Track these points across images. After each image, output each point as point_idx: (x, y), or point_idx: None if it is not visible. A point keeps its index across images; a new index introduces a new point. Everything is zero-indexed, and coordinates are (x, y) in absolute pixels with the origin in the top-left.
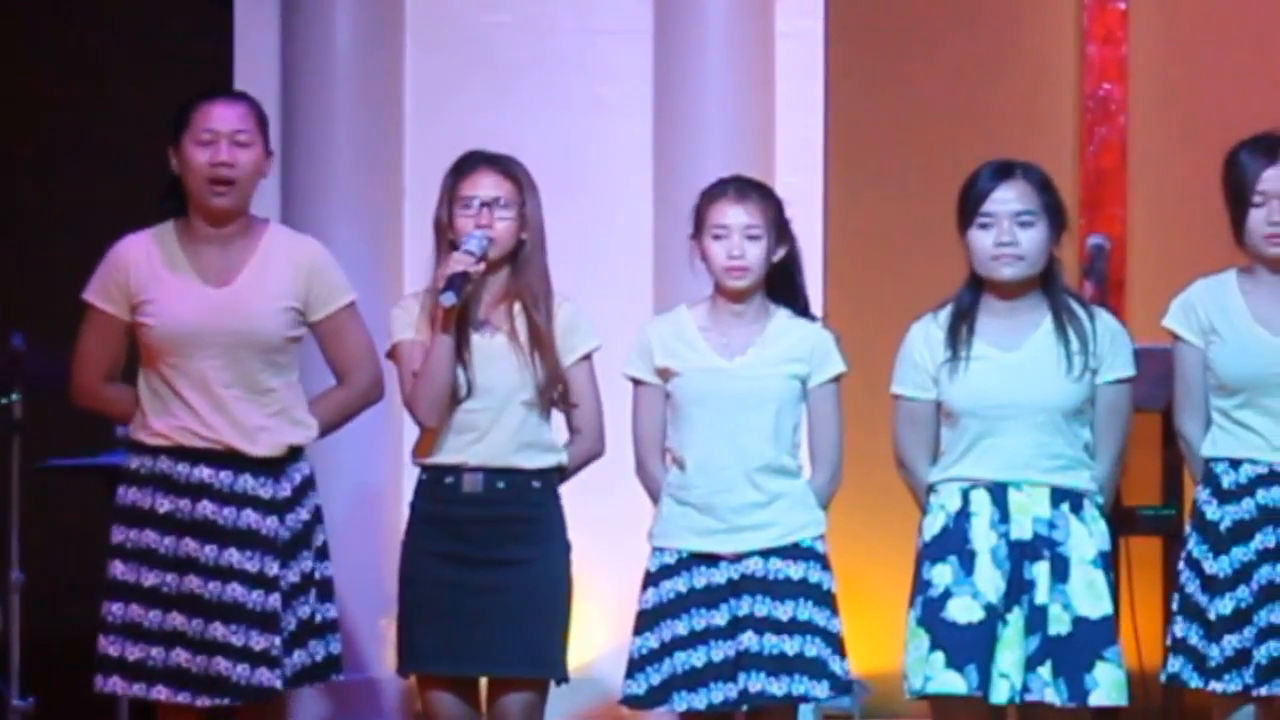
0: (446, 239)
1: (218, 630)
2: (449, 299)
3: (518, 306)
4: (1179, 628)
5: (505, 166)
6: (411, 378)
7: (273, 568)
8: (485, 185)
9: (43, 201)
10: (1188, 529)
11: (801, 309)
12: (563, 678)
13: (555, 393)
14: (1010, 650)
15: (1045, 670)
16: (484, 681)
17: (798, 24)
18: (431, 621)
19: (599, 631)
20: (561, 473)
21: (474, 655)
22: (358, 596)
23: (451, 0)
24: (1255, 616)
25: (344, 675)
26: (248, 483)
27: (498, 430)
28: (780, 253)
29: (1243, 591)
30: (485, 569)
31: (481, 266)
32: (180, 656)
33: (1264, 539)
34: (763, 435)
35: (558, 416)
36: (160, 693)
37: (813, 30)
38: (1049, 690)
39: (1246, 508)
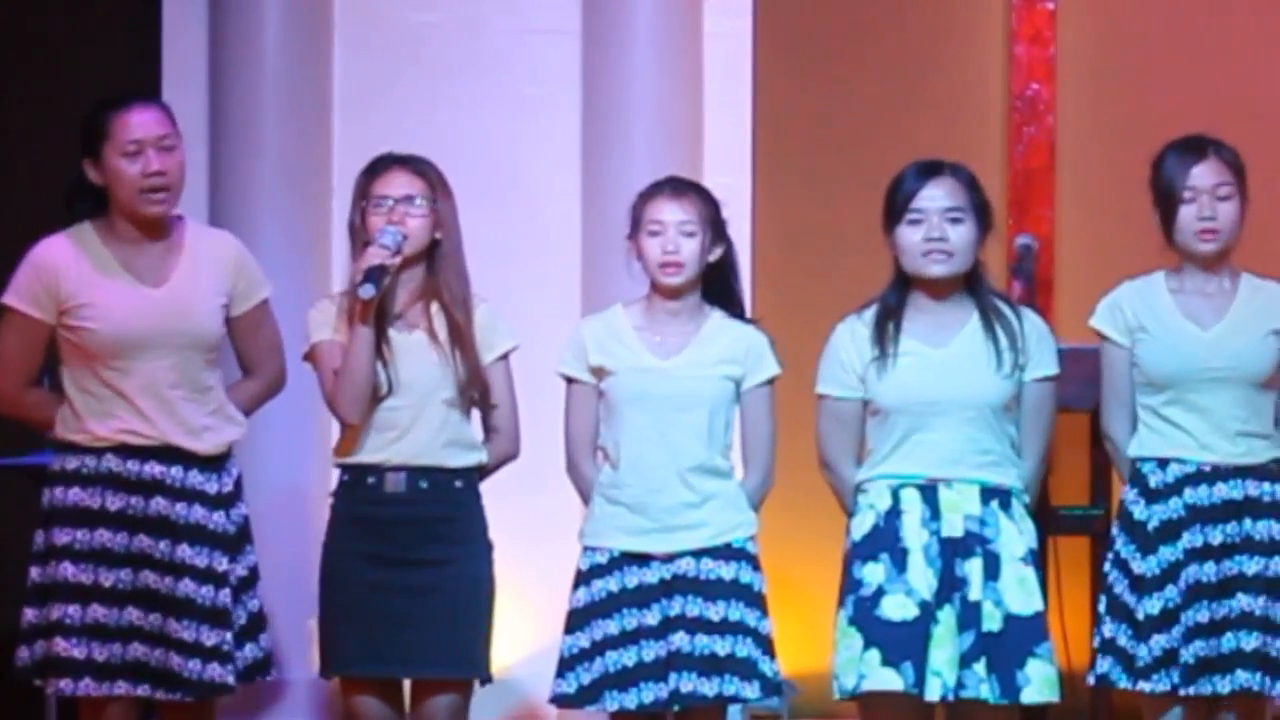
0: (361, 240)
1: (171, 625)
2: (367, 291)
3: (435, 305)
4: (1107, 628)
5: (417, 166)
6: (332, 376)
7: (222, 562)
8: (397, 184)
9: None
10: (1114, 529)
11: (737, 311)
12: (486, 678)
13: (475, 392)
14: (942, 648)
15: (980, 667)
16: (408, 683)
17: (726, 24)
18: (354, 623)
19: (527, 631)
20: (482, 472)
21: (397, 657)
22: (282, 597)
23: (380, 0)
24: (1183, 616)
25: (271, 675)
26: (195, 478)
27: (419, 428)
28: (716, 253)
29: (1171, 591)
30: (408, 569)
31: (397, 260)
32: (137, 651)
33: (1192, 538)
34: (696, 436)
35: (475, 418)
36: (120, 688)
37: (741, 30)
38: (984, 687)
39: (1174, 507)
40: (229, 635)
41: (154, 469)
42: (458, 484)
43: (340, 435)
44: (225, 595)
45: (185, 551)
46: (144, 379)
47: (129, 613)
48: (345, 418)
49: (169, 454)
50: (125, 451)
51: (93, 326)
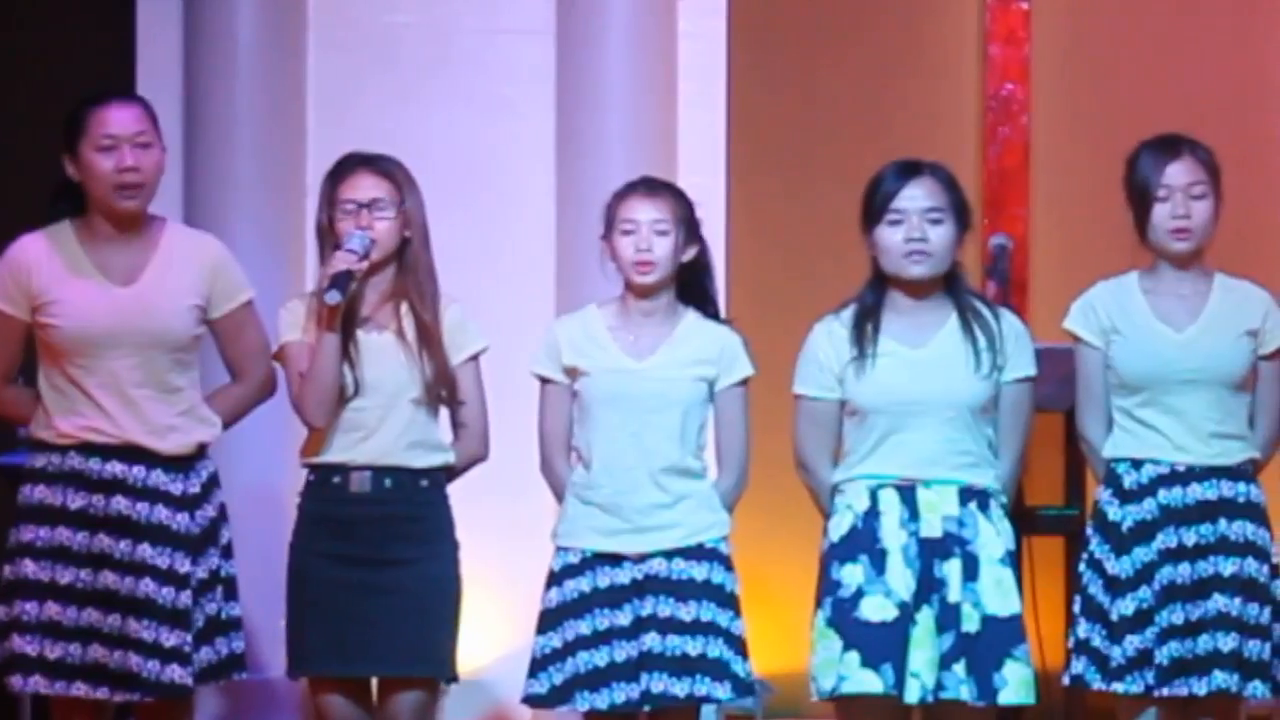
0: (329, 242)
1: (130, 626)
2: (334, 297)
3: (404, 306)
4: (1081, 629)
5: (382, 167)
6: (299, 378)
7: (184, 564)
8: (363, 187)
9: None
10: (1089, 529)
11: (711, 311)
12: (452, 677)
13: (442, 391)
14: (921, 650)
15: (959, 668)
16: (375, 682)
17: (700, 24)
18: (320, 623)
19: (499, 632)
20: (449, 473)
21: (363, 656)
22: (257, 596)
23: (354, 0)
24: (1157, 617)
25: (245, 675)
26: (159, 478)
27: (385, 428)
28: (690, 252)
29: (1144, 592)
30: (374, 569)
31: (365, 265)
32: (97, 652)
33: (1165, 539)
34: (669, 436)
35: (444, 419)
36: (79, 689)
37: (715, 30)
38: (964, 688)
39: (1148, 508)
40: (189, 637)
41: (115, 468)
42: (423, 483)
43: (307, 435)
44: (186, 596)
45: (146, 551)
46: (106, 377)
47: (88, 613)
48: (310, 421)
49: (131, 453)
50: (88, 450)
51: (58, 323)
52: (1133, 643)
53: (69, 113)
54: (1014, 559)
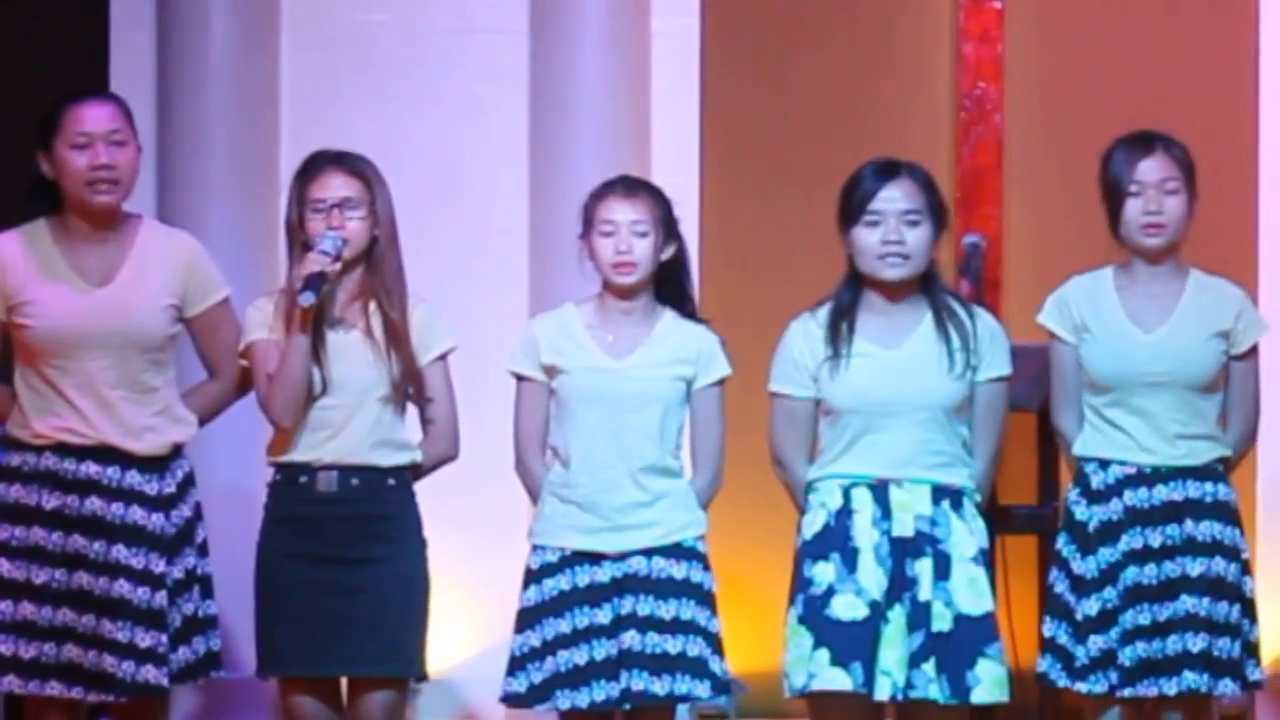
0: (299, 241)
1: (105, 626)
2: (307, 299)
3: (372, 304)
4: (1048, 627)
5: (352, 165)
6: (266, 379)
7: (159, 564)
8: (334, 186)
9: None
10: (1059, 528)
11: (688, 310)
12: (421, 675)
13: (410, 389)
14: (892, 648)
15: (929, 667)
16: (345, 681)
17: (673, 23)
18: (289, 622)
19: (475, 630)
20: (416, 471)
21: (332, 655)
22: (233, 594)
23: None
24: (1121, 618)
25: (222, 673)
26: (134, 479)
27: (353, 427)
28: (669, 252)
29: (1109, 592)
30: (341, 568)
31: (337, 266)
32: (71, 652)
33: (1131, 540)
34: (648, 436)
35: (412, 418)
36: (54, 688)
37: (689, 29)
38: (933, 687)
39: (1114, 508)
40: (164, 637)
41: (90, 469)
42: (390, 482)
43: (274, 434)
44: (161, 597)
45: (121, 552)
46: (82, 378)
47: (63, 613)
48: (278, 421)
49: (107, 454)
50: (63, 450)
51: (32, 324)
52: (1096, 643)
53: (45, 110)
54: (987, 558)
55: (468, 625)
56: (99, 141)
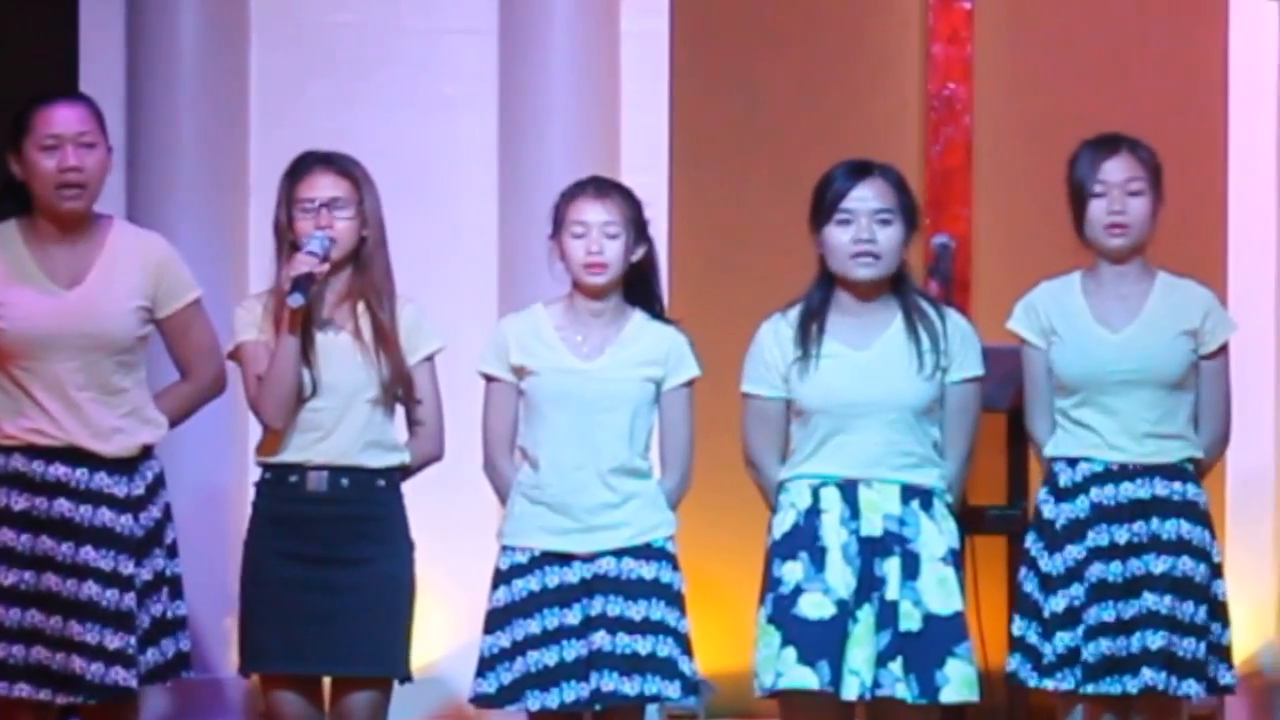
0: (287, 241)
1: (73, 629)
2: (296, 300)
3: (361, 306)
4: (1018, 626)
5: (341, 166)
6: (256, 380)
7: (127, 566)
8: (322, 186)
9: None
10: (1028, 527)
11: (657, 311)
12: (405, 677)
13: (399, 390)
14: (861, 647)
15: (896, 666)
16: (328, 681)
17: (643, 24)
18: (274, 621)
19: (446, 631)
20: (404, 472)
21: (317, 654)
22: (202, 596)
23: (297, 0)
24: (1086, 614)
25: (191, 674)
26: (102, 480)
27: (343, 429)
28: (639, 253)
29: (1075, 589)
30: (329, 568)
31: (326, 267)
32: (40, 654)
33: (1097, 537)
34: (617, 436)
35: (398, 418)
36: (23, 690)
37: (658, 30)
38: (900, 686)
39: (1081, 506)
40: (133, 639)
41: (59, 470)
42: (380, 483)
43: (263, 434)
44: (130, 599)
45: (89, 554)
46: (50, 380)
47: (31, 614)
48: (269, 423)
49: (75, 456)
50: (32, 452)
51: (1, 326)
52: (1063, 639)
53: (16, 111)
54: (957, 558)
55: (438, 626)
56: (68, 144)
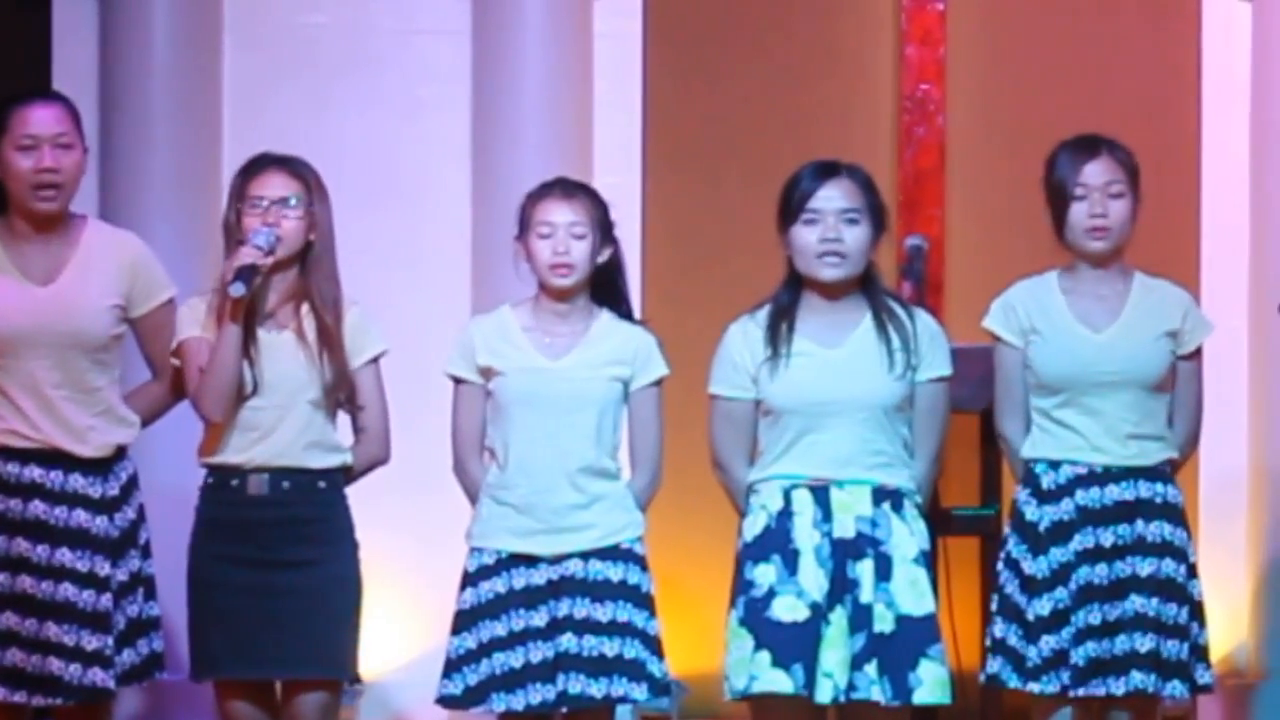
0: (235, 239)
1: (50, 630)
2: (238, 289)
3: (305, 307)
4: (998, 628)
5: (294, 167)
6: (198, 374)
7: (104, 567)
8: (274, 185)
9: None
10: (1006, 529)
11: (625, 311)
12: (354, 677)
13: (342, 394)
14: (834, 650)
15: (871, 669)
16: (279, 683)
17: (616, 24)
18: (222, 626)
19: (413, 633)
20: (347, 474)
21: (265, 657)
22: (174, 596)
23: (269, 1)
24: (1073, 617)
25: (164, 674)
26: (78, 482)
27: (283, 429)
28: (605, 254)
29: (1061, 592)
30: (274, 570)
31: (269, 261)
32: (15, 656)
33: (1083, 540)
34: (585, 437)
35: (343, 420)
36: None
37: (631, 31)
38: (875, 688)
39: (1066, 508)
40: (110, 640)
41: (33, 472)
42: (321, 484)
43: (204, 435)
44: (107, 600)
45: (65, 556)
46: (24, 378)
47: (7, 616)
48: (208, 415)
49: (51, 457)
50: (7, 454)
51: None
52: (1049, 643)
53: None
54: (928, 559)
55: (406, 628)
56: (45, 144)
